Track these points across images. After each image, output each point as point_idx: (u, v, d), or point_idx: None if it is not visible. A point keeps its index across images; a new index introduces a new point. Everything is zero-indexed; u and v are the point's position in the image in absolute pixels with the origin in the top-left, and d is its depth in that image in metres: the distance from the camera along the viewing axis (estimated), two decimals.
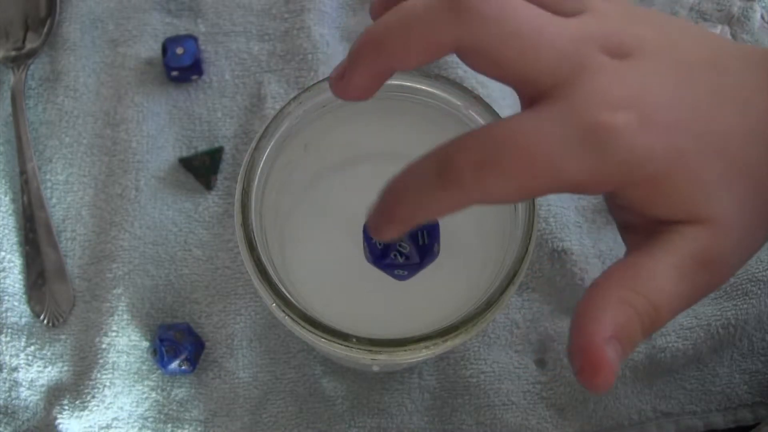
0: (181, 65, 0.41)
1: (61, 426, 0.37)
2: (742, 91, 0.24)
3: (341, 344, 0.27)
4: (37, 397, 0.38)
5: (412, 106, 0.32)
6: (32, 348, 0.38)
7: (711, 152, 0.23)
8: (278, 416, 0.37)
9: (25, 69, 0.42)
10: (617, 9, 0.25)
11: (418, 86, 0.31)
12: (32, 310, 0.39)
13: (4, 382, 0.38)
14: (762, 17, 0.44)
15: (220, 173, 0.41)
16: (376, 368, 0.37)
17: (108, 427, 0.37)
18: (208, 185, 0.41)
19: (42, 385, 0.38)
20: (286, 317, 0.28)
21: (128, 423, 0.37)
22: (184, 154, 0.42)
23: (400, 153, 0.30)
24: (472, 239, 0.32)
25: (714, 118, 0.23)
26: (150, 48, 0.43)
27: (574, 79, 0.22)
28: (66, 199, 0.41)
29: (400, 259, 0.26)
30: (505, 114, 0.34)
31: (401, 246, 0.25)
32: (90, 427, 0.37)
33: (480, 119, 0.31)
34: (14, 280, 0.39)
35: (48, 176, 0.41)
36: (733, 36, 0.44)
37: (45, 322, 0.39)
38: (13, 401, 0.37)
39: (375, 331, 0.27)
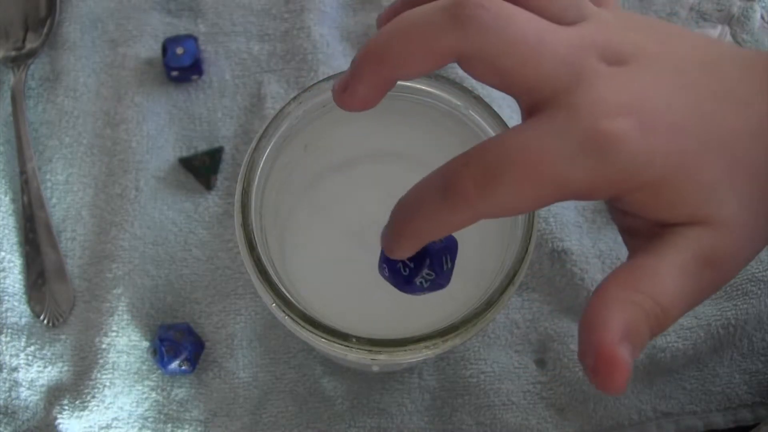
0: (181, 65, 0.42)
1: (61, 426, 0.37)
2: (742, 94, 0.24)
3: (341, 344, 0.27)
4: (37, 397, 0.38)
5: (412, 106, 0.32)
6: (32, 348, 0.38)
7: (712, 154, 0.23)
8: (278, 416, 0.37)
9: (25, 69, 0.42)
10: (616, 17, 0.25)
11: (418, 86, 0.31)
12: (32, 310, 0.39)
13: (4, 382, 0.38)
14: (762, 17, 0.44)
15: (220, 173, 0.41)
16: (376, 368, 0.37)
17: (108, 427, 0.37)
18: (208, 185, 0.41)
19: (42, 385, 0.38)
20: (286, 317, 0.28)
21: (128, 423, 0.37)
22: (184, 154, 0.42)
23: (400, 153, 0.30)
24: (472, 239, 0.32)
25: (714, 120, 0.23)
26: (150, 48, 0.43)
27: (574, 88, 0.22)
28: (66, 199, 0.41)
29: (426, 285, 0.26)
30: (505, 114, 0.34)
31: (427, 273, 0.25)
32: (90, 427, 0.37)
33: (480, 119, 0.31)
34: (14, 280, 0.39)
35: (48, 176, 0.41)
36: (733, 36, 0.44)
37: (45, 322, 0.39)
38: (13, 401, 0.37)
39: (375, 331, 0.27)
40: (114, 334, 0.38)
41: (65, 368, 0.38)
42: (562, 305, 0.39)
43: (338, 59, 0.43)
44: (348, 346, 0.27)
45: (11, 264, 0.39)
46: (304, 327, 0.27)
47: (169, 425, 0.37)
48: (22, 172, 0.40)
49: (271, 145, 0.30)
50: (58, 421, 0.37)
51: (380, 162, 0.34)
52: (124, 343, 0.38)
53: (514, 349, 0.38)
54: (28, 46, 0.43)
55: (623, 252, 0.40)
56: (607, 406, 0.37)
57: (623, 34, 0.24)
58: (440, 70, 0.41)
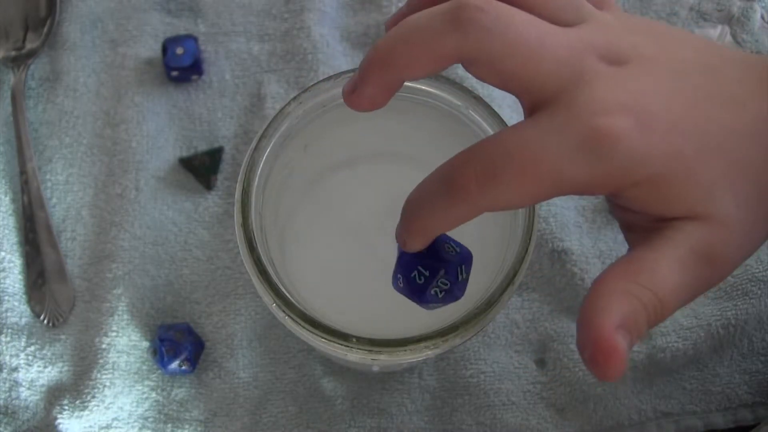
0: (181, 65, 0.41)
1: (61, 426, 0.37)
2: (740, 95, 0.24)
3: (341, 344, 0.27)
4: (37, 397, 0.38)
5: (412, 106, 0.32)
6: (32, 348, 0.38)
7: (710, 153, 0.23)
8: (278, 416, 0.37)
9: (25, 69, 0.42)
10: (615, 19, 0.25)
11: (418, 86, 0.31)
12: (32, 310, 0.39)
13: (4, 382, 0.38)
14: (762, 17, 0.44)
15: (220, 173, 0.41)
16: (376, 368, 0.37)
17: (108, 427, 0.37)
18: (208, 185, 0.41)
19: (42, 385, 0.38)
20: (286, 317, 0.28)
21: (128, 423, 0.37)
22: (184, 154, 0.42)
23: (400, 153, 0.30)
24: (472, 239, 0.32)
25: (712, 120, 0.24)
26: (150, 48, 0.43)
27: (574, 87, 0.23)
28: (66, 199, 0.41)
29: (440, 295, 0.26)
30: (505, 114, 0.34)
31: (442, 282, 0.26)
32: (90, 427, 0.37)
33: (480, 119, 0.31)
34: (14, 280, 0.39)
35: (48, 176, 0.41)
36: (733, 36, 0.44)
37: (45, 322, 0.39)
38: (13, 401, 0.37)
39: (375, 331, 0.27)
40: (114, 334, 0.38)
41: (65, 368, 0.38)
42: (562, 305, 0.39)
43: (338, 59, 0.43)
44: (348, 346, 0.27)
45: (11, 264, 0.39)
46: (304, 327, 0.27)
47: (169, 425, 0.37)
48: (22, 172, 0.40)
49: (271, 145, 0.30)
50: (58, 421, 0.37)
51: (380, 162, 0.34)
52: (124, 343, 0.38)
53: (514, 349, 0.38)
54: (28, 46, 0.43)
55: (623, 252, 0.40)
56: (607, 406, 0.37)
57: (623, 36, 0.25)
58: None
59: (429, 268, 0.26)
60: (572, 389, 0.37)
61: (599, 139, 0.22)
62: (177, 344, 0.37)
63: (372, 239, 0.32)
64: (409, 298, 0.26)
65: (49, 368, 0.38)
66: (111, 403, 0.37)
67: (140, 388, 0.38)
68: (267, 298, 0.28)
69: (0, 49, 0.43)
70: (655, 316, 0.23)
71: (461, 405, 0.37)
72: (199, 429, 0.37)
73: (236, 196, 0.29)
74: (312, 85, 0.30)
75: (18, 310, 0.39)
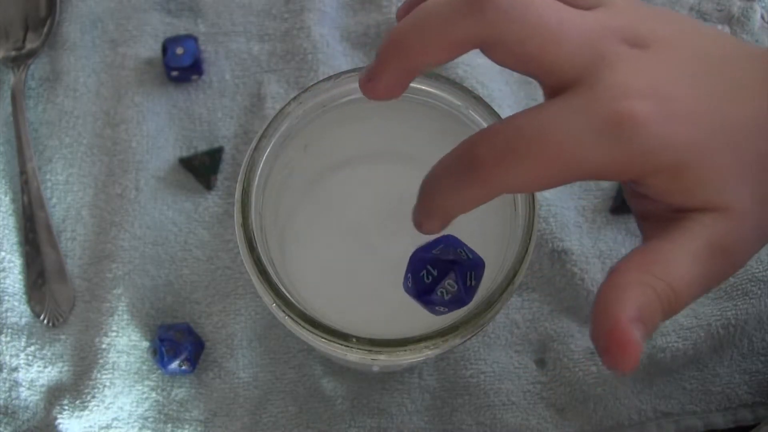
0: (181, 65, 0.41)
1: (61, 426, 0.37)
2: (750, 87, 0.24)
3: (341, 344, 0.27)
4: (37, 397, 0.38)
5: (412, 106, 0.32)
6: (32, 348, 0.38)
7: (726, 143, 0.23)
8: (278, 416, 0.37)
9: (25, 69, 0.42)
10: (630, 4, 0.25)
11: (418, 86, 0.31)
12: (32, 310, 0.39)
13: (4, 382, 0.38)
14: (762, 17, 0.44)
15: (220, 173, 0.41)
16: (376, 368, 0.37)
17: (108, 427, 0.37)
18: (208, 185, 0.41)
19: (42, 385, 0.38)
20: (286, 317, 0.28)
21: (128, 423, 0.37)
22: (184, 154, 0.42)
23: (400, 153, 0.30)
24: (473, 239, 0.32)
25: (728, 110, 0.24)
26: (150, 48, 0.43)
27: (596, 70, 0.23)
28: (66, 199, 0.41)
29: (446, 297, 0.26)
30: (504, 114, 0.34)
31: (449, 284, 0.25)
32: (90, 427, 0.37)
33: (480, 119, 0.31)
34: (14, 280, 0.39)
35: (48, 176, 0.41)
36: (733, 36, 0.44)
37: (45, 322, 0.39)
38: (13, 401, 0.37)
39: (375, 331, 0.27)
40: (114, 334, 0.38)
41: (65, 368, 0.38)
42: (562, 305, 0.39)
43: (338, 59, 0.43)
44: (348, 346, 0.27)
45: (11, 264, 0.39)
46: (304, 327, 0.27)
47: (169, 425, 0.37)
48: (22, 172, 0.40)
49: (271, 145, 0.30)
50: (58, 421, 0.37)
51: (380, 162, 0.34)
52: (124, 343, 0.38)
53: (514, 349, 0.38)
54: (28, 46, 0.43)
55: (623, 252, 0.40)
56: (607, 406, 0.37)
57: (641, 20, 0.24)
58: (440, 70, 0.41)
59: (438, 268, 0.25)
60: (572, 389, 0.37)
61: (621, 122, 0.22)
62: (177, 344, 0.37)
63: (372, 239, 0.32)
64: (417, 300, 0.26)
65: (49, 368, 0.38)
66: (111, 403, 0.37)
67: (140, 388, 0.38)
68: (267, 298, 0.28)
69: (0, 49, 0.43)
70: (669, 308, 0.23)
71: (461, 405, 0.37)
72: (199, 429, 0.37)
73: (236, 196, 0.29)
74: (312, 85, 0.30)
75: (18, 310, 0.39)
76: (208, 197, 0.41)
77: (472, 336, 0.28)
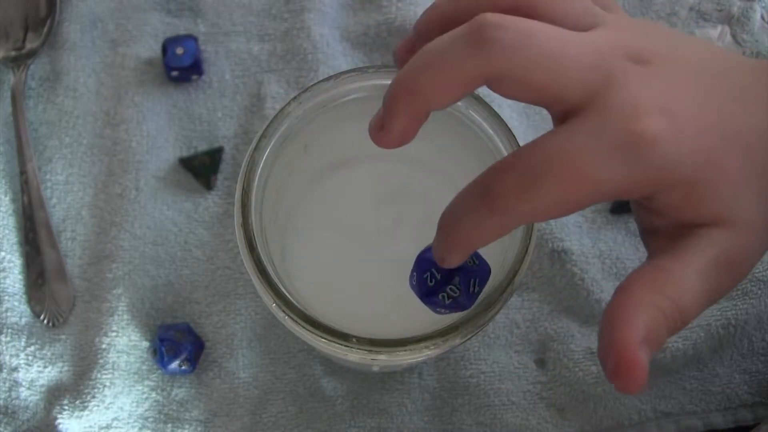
0: (181, 65, 0.41)
1: (61, 426, 0.37)
2: (752, 98, 0.24)
3: (341, 344, 0.27)
4: (37, 397, 0.38)
5: None
6: (32, 348, 0.38)
7: (736, 155, 0.23)
8: (278, 416, 0.37)
9: (25, 69, 0.42)
10: (627, 22, 0.25)
11: None
12: (32, 310, 0.39)
13: (4, 382, 0.38)
14: (762, 17, 0.44)
15: (220, 173, 0.41)
16: (376, 368, 0.37)
17: (108, 427, 0.37)
18: (208, 185, 0.41)
19: (42, 385, 0.38)
20: (286, 317, 0.28)
21: (128, 423, 0.37)
22: (184, 154, 0.42)
23: (399, 153, 0.30)
24: None
25: (732, 122, 0.24)
26: (150, 48, 0.43)
27: (604, 90, 0.23)
28: (66, 199, 0.41)
29: (447, 301, 0.26)
30: (504, 114, 0.34)
31: (451, 289, 0.26)
32: (90, 427, 0.37)
33: (480, 119, 0.31)
34: (14, 280, 0.39)
35: (48, 176, 0.41)
36: (733, 36, 0.44)
37: (45, 322, 0.39)
38: (13, 401, 0.37)
39: (375, 331, 0.27)
40: (114, 334, 0.38)
41: (65, 368, 0.38)
42: (562, 305, 0.39)
43: (338, 59, 0.43)
44: (348, 346, 0.27)
45: (11, 264, 0.39)
46: (304, 327, 0.27)
47: (169, 425, 0.37)
48: (22, 172, 0.40)
49: (271, 145, 0.30)
50: (58, 421, 0.37)
51: (380, 162, 0.34)
52: (124, 343, 0.38)
53: (514, 349, 0.38)
54: (28, 46, 0.43)
55: (623, 252, 0.40)
56: (607, 406, 0.37)
57: (639, 36, 0.25)
58: None
59: (442, 273, 0.26)
60: (572, 389, 0.37)
61: (636, 141, 0.22)
62: (177, 344, 0.37)
63: (372, 239, 0.32)
64: (419, 298, 0.26)
65: (49, 368, 0.38)
66: (111, 403, 0.37)
67: (140, 388, 0.38)
68: (267, 298, 0.28)
69: (0, 49, 0.43)
70: (675, 326, 0.23)
71: (461, 405, 0.37)
72: (199, 429, 0.37)
73: (236, 196, 0.29)
74: (312, 85, 0.30)
75: (18, 310, 0.39)
76: (208, 197, 0.41)
77: (472, 336, 0.28)
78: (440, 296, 0.26)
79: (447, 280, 0.26)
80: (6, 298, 0.39)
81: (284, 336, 0.39)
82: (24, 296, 0.39)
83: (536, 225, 0.29)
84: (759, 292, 0.38)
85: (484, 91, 0.41)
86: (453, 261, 0.24)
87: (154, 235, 0.40)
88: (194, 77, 0.43)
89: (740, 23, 0.44)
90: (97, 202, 0.41)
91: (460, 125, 0.31)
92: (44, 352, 0.38)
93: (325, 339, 0.27)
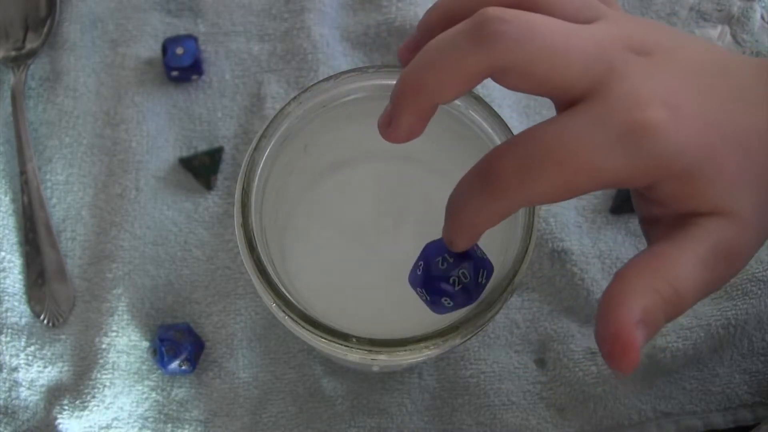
0: (181, 65, 0.41)
1: (61, 426, 0.37)
2: (751, 96, 0.25)
3: (341, 344, 0.27)
4: (37, 397, 0.38)
5: None
6: (32, 348, 0.38)
7: (734, 149, 0.24)
8: (278, 416, 0.37)
9: (25, 69, 0.42)
10: (626, 16, 0.26)
11: None
12: (32, 310, 0.39)
13: (4, 382, 0.38)
14: (762, 17, 0.44)
15: (220, 173, 0.41)
16: (376, 368, 0.37)
17: (108, 427, 0.37)
18: (208, 185, 0.41)
19: (42, 385, 0.38)
20: (286, 317, 0.28)
21: (128, 423, 0.37)
22: (184, 154, 0.42)
23: (399, 153, 0.30)
24: None
25: (731, 117, 0.24)
26: (150, 48, 0.43)
27: (607, 80, 0.23)
28: (66, 199, 0.41)
29: (457, 287, 0.26)
30: (504, 114, 0.34)
31: (462, 273, 0.26)
32: (90, 427, 0.37)
33: (480, 119, 0.31)
34: (14, 280, 0.39)
35: (48, 176, 0.41)
36: (733, 36, 0.44)
37: (45, 322, 0.39)
38: (13, 401, 0.37)
39: (375, 331, 0.27)
40: (114, 334, 0.38)
41: (65, 368, 0.38)
42: (562, 305, 0.39)
43: (338, 59, 0.43)
44: (348, 346, 0.27)
45: (11, 264, 0.39)
46: (304, 327, 0.27)
47: (169, 425, 0.37)
48: (22, 172, 0.40)
49: (271, 145, 0.30)
50: (58, 421, 0.37)
51: (380, 162, 0.34)
52: (124, 343, 0.38)
53: (514, 349, 0.38)
54: (28, 46, 0.43)
55: (623, 252, 0.40)
56: (607, 406, 0.37)
57: (640, 30, 0.25)
58: None
59: (455, 257, 0.26)
60: (572, 389, 0.37)
61: (637, 131, 0.22)
62: (177, 344, 0.37)
63: (372, 239, 0.32)
64: (424, 290, 0.26)
65: (49, 368, 0.38)
66: (111, 403, 0.37)
67: (140, 388, 0.38)
68: (267, 298, 0.28)
69: (0, 49, 0.43)
70: (673, 311, 0.23)
71: (461, 405, 0.37)
72: (199, 429, 0.37)
73: (236, 196, 0.29)
74: (312, 85, 0.30)
75: (18, 310, 0.39)
76: (208, 197, 0.41)
77: (472, 336, 0.28)
78: (452, 280, 0.26)
79: (459, 262, 0.26)
80: (6, 298, 0.39)
81: (284, 336, 0.39)
82: (24, 296, 0.39)
83: (536, 225, 0.29)
84: (759, 292, 0.38)
85: (483, 91, 0.41)
86: (462, 244, 0.25)
87: (154, 235, 0.40)
88: (194, 77, 0.43)
89: (740, 23, 0.44)
90: (97, 202, 0.41)
91: (460, 125, 0.31)
92: (44, 352, 0.38)
93: (325, 339, 0.27)
